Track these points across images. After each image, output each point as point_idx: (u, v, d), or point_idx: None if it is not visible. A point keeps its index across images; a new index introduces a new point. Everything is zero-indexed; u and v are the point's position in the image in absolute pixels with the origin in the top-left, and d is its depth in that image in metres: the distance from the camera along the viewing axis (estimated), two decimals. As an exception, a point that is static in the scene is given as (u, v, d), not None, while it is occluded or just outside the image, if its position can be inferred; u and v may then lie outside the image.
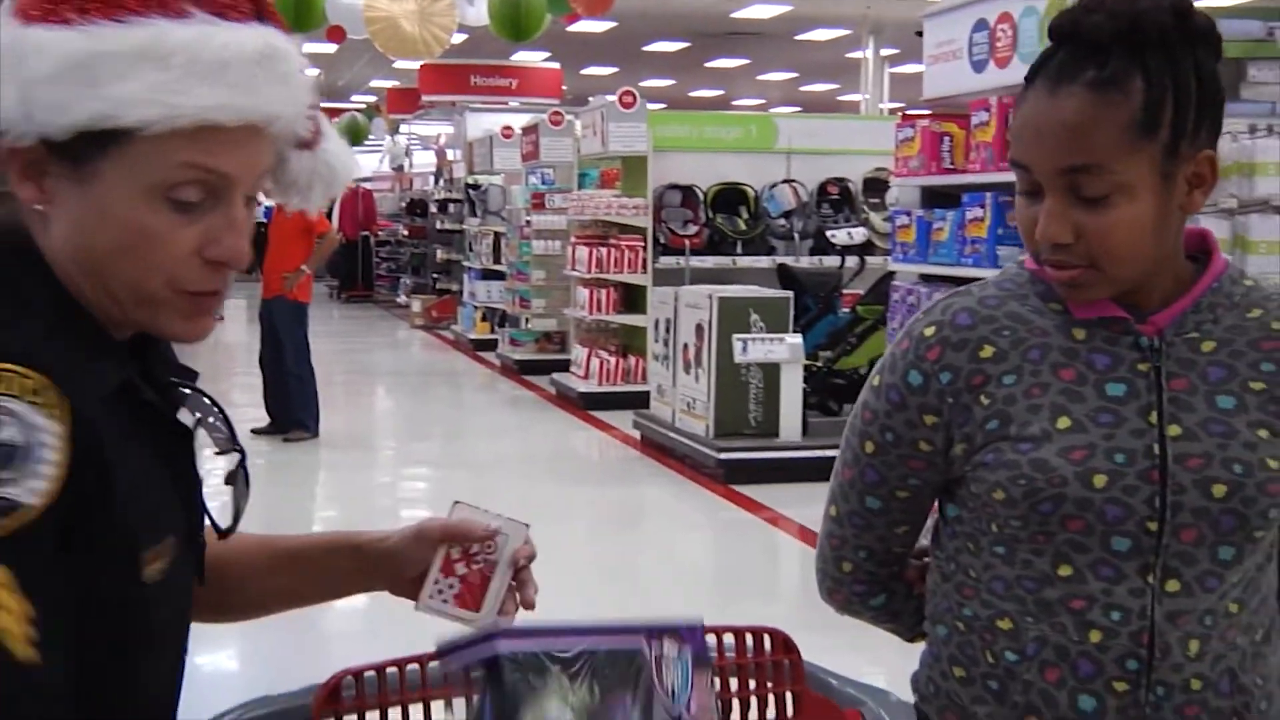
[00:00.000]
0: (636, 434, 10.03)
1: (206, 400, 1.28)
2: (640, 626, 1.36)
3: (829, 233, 10.18)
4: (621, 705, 1.31)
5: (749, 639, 1.48)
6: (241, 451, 1.32)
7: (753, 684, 1.47)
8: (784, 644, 1.48)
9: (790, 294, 9.11)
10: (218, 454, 1.31)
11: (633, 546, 7.42)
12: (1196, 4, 1.49)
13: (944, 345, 1.56)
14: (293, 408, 9.52)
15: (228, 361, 13.61)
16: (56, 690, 1.01)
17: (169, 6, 1.08)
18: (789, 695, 1.47)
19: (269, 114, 1.13)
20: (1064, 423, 1.51)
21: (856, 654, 1.54)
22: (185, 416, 1.26)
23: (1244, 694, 1.53)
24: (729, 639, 1.48)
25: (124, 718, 1.16)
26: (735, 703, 1.47)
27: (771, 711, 1.47)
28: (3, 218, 1.15)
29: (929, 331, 1.58)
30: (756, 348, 8.56)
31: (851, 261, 9.98)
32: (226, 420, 1.30)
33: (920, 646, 1.72)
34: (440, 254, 20.13)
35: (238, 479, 1.32)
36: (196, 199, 1.12)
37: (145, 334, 1.21)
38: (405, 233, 22.77)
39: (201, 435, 1.29)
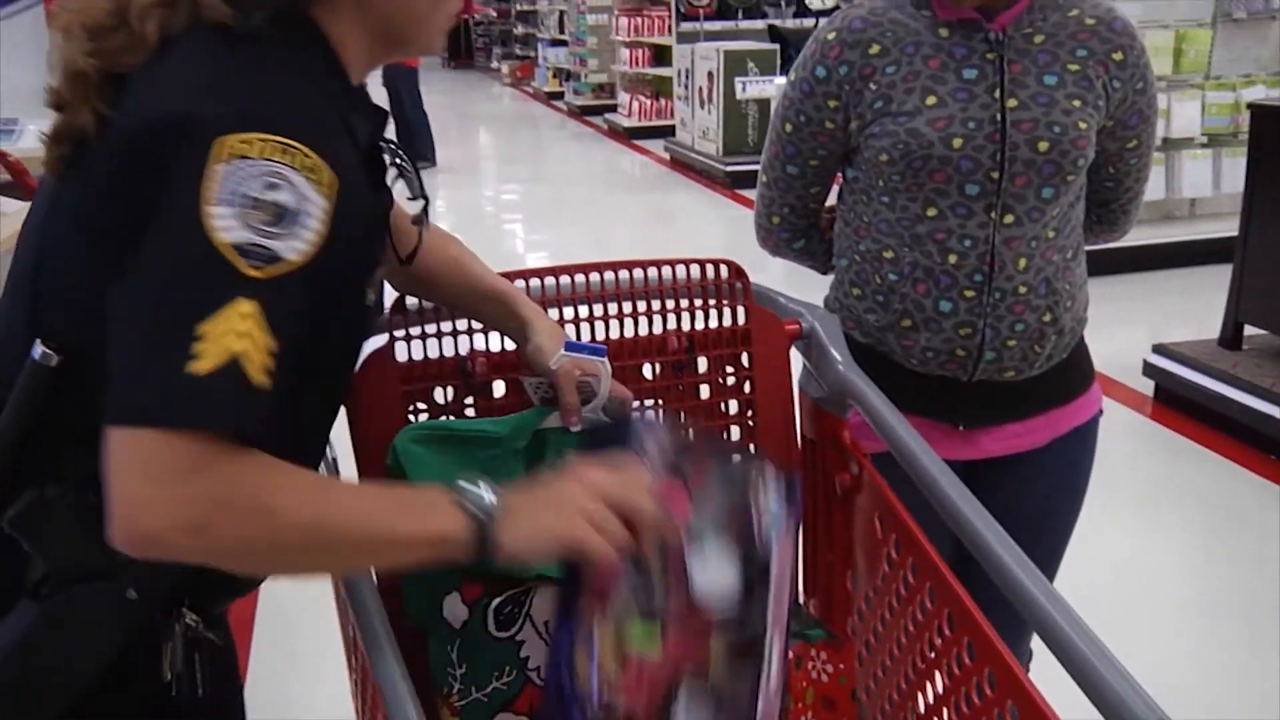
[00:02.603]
0: (667, 156, 9.89)
1: (394, 146, 1.10)
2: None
3: (808, 1, 9.89)
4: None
5: (709, 268, 1.39)
6: (427, 199, 1.15)
7: (713, 301, 1.39)
8: (735, 271, 1.39)
9: (777, 46, 8.84)
10: (409, 199, 1.14)
11: (665, 232, 7.42)
12: None
13: (842, 45, 1.52)
14: (415, 144, 9.27)
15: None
16: (273, 419, 0.85)
17: None
18: (741, 310, 1.40)
19: None
20: (931, 100, 1.47)
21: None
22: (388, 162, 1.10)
23: (1055, 295, 1.55)
24: (694, 270, 1.38)
25: (309, 439, 1.07)
26: (698, 315, 1.39)
27: (728, 320, 1.40)
28: None
29: (831, 35, 1.53)
30: (753, 87, 8.55)
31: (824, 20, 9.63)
32: (416, 169, 1.13)
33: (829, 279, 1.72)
34: (520, 29, 19.40)
35: (423, 220, 1.17)
36: None
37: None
38: (494, 14, 21.94)
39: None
